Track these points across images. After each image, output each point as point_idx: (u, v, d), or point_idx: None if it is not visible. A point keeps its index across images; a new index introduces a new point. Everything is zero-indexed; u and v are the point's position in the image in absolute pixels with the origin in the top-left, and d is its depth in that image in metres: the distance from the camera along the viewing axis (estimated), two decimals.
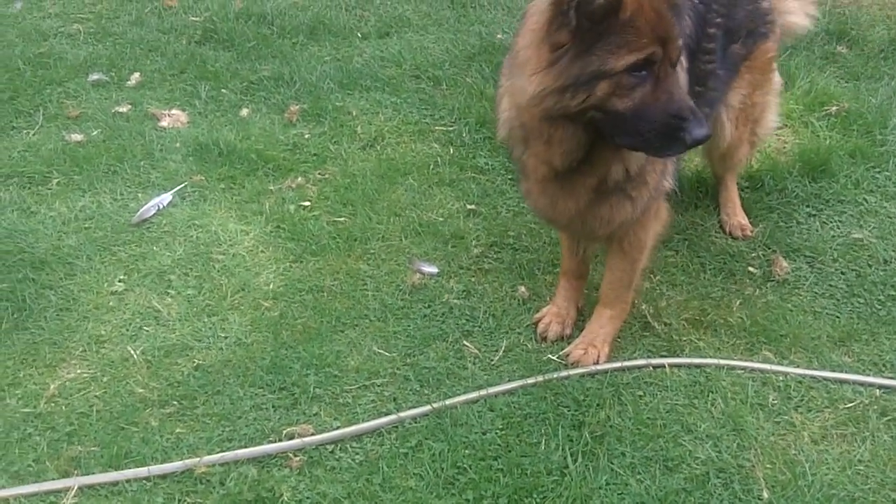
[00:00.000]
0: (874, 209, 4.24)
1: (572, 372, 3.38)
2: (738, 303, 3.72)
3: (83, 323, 3.65)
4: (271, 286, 3.84)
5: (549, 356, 3.49)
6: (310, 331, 3.60)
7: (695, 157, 4.32)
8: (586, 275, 3.73)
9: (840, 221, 4.18)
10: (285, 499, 2.93)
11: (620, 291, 3.52)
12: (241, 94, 5.30)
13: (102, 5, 6.41)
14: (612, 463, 3.03)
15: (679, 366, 3.43)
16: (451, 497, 2.94)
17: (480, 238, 4.08)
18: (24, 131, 4.93)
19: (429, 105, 5.15)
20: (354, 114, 5.06)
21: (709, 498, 2.94)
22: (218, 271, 3.92)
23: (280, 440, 3.13)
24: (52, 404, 3.30)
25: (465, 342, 3.55)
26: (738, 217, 4.15)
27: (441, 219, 4.22)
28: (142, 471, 3.02)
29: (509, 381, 3.36)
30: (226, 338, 3.59)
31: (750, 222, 4.13)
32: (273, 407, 3.28)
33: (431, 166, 4.57)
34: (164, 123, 4.99)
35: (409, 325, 3.64)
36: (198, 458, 3.05)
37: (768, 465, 3.05)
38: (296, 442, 3.11)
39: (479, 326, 3.63)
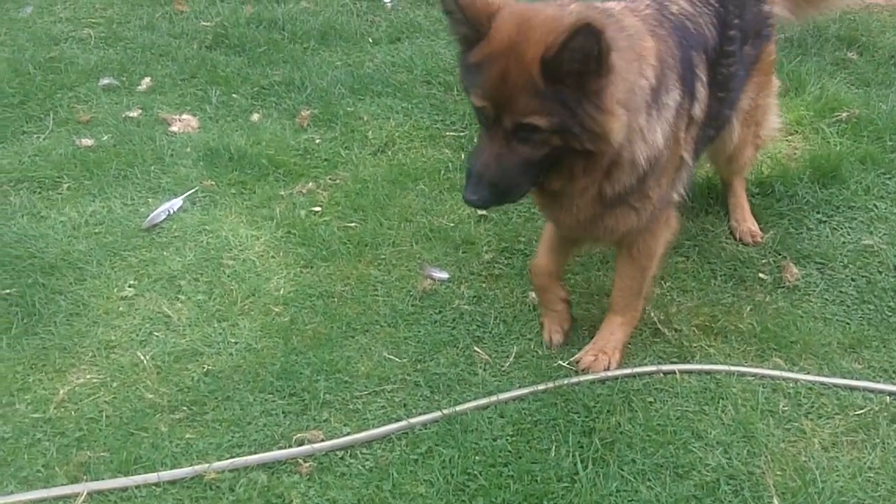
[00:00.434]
0: (884, 215, 4.23)
1: (583, 378, 3.38)
2: (748, 309, 3.72)
3: (93, 328, 3.66)
4: (282, 291, 3.84)
5: (560, 362, 3.48)
6: (320, 336, 3.61)
7: (704, 162, 4.31)
8: (558, 273, 3.64)
9: (850, 228, 4.17)
10: None
11: (630, 299, 3.51)
12: (251, 99, 5.30)
13: (113, 10, 6.42)
14: (622, 469, 3.03)
15: (690, 372, 3.42)
16: None
17: (491, 244, 4.08)
18: (35, 136, 4.94)
19: (440, 110, 5.15)
20: (365, 119, 5.06)
21: None
22: (228, 276, 3.93)
23: (290, 446, 3.13)
24: (62, 409, 3.31)
25: (475, 348, 3.55)
26: (747, 223, 4.15)
27: (452, 224, 4.22)
28: (151, 476, 3.03)
29: (520, 387, 3.36)
30: (236, 343, 3.59)
31: (760, 228, 4.12)
32: (283, 413, 3.28)
33: (442, 172, 4.57)
34: (174, 128, 5.00)
35: (419, 331, 3.65)
36: (207, 464, 3.05)
37: (778, 472, 3.04)
38: (305, 448, 3.11)
39: (490, 332, 3.63)
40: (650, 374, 3.43)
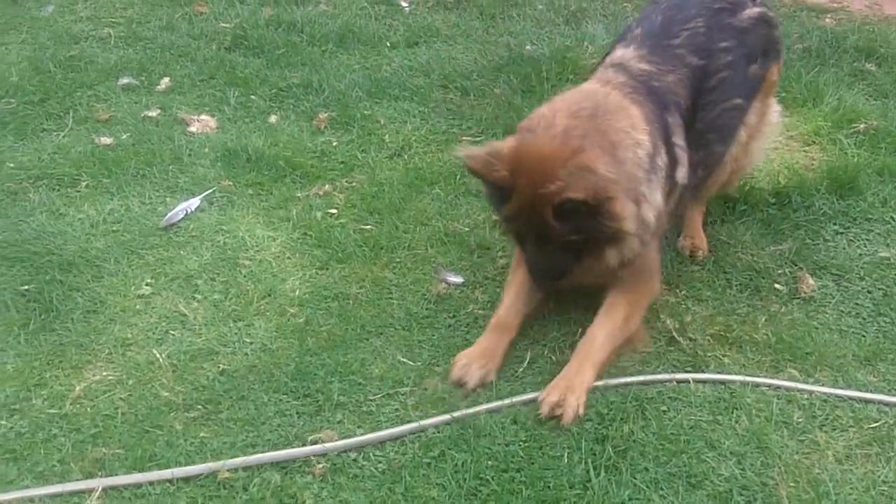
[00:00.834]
0: None
1: (597, 383, 3.37)
2: (763, 319, 3.71)
3: (110, 325, 3.68)
4: (297, 293, 3.85)
5: None
6: (335, 338, 3.62)
7: None
8: (515, 330, 3.59)
9: (867, 240, 4.17)
10: None
11: (608, 342, 3.47)
12: (269, 100, 5.32)
13: (133, 10, 6.46)
14: (634, 478, 3.03)
15: (704, 381, 3.42)
16: None
17: (506, 249, 4.07)
18: (54, 133, 4.97)
19: (456, 115, 5.16)
20: (382, 122, 5.08)
21: None
22: (244, 277, 3.94)
23: (304, 447, 3.14)
24: (78, 406, 3.32)
25: None
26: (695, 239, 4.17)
27: (467, 229, 4.23)
28: (165, 473, 3.04)
29: (531, 392, 3.36)
30: (251, 343, 3.60)
31: (777, 239, 4.13)
32: (297, 413, 3.29)
33: (458, 176, 4.58)
34: (193, 128, 5.02)
35: (433, 335, 3.65)
36: (221, 462, 3.06)
37: (792, 484, 3.03)
38: (317, 448, 3.12)
39: None
40: (664, 382, 3.42)
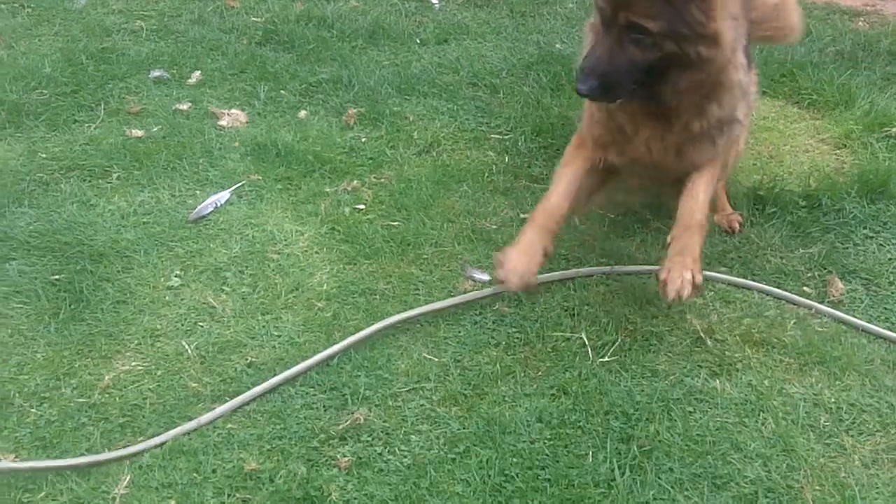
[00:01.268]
0: None
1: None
2: (791, 322, 3.70)
3: (139, 316, 3.71)
4: (325, 287, 3.87)
5: (601, 360, 3.48)
6: None
7: (753, 174, 4.29)
8: (563, 222, 3.62)
9: None
10: (333, 498, 2.96)
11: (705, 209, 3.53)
12: (299, 95, 5.34)
13: (165, 3, 6.50)
14: (659, 478, 3.03)
15: (628, 273, 3.42)
16: None
17: None
18: (86, 125, 5.01)
19: (485, 113, 5.17)
20: (411, 119, 5.09)
21: None
22: (273, 270, 3.96)
23: (330, 440, 3.16)
24: (107, 395, 3.35)
25: (514, 350, 3.56)
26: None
27: (494, 227, 4.23)
28: (191, 424, 3.19)
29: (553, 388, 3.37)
30: (279, 336, 3.62)
31: (805, 242, 4.11)
32: (324, 407, 3.30)
33: (486, 174, 4.59)
34: (223, 122, 5.05)
35: (459, 332, 3.66)
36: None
37: (818, 487, 3.02)
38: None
39: (529, 335, 3.63)
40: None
